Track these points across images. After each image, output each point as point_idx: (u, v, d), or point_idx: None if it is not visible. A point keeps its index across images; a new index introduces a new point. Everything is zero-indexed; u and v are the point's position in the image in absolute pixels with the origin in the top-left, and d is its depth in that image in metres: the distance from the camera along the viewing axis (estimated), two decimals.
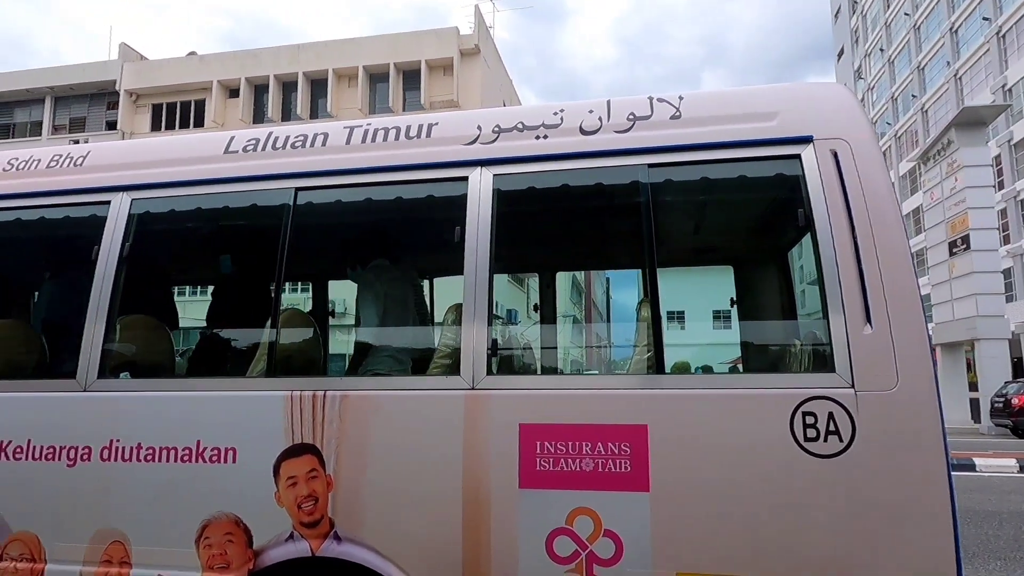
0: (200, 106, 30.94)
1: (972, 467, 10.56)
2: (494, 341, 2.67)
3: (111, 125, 31.33)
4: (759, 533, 2.28)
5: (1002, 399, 19.41)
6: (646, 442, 2.37)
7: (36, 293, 3.87)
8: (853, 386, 2.30)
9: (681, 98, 2.76)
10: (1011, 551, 5.69)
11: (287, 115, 29.85)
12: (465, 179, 2.78)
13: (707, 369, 4.15)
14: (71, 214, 3.21)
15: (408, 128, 2.95)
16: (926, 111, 42.96)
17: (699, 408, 2.40)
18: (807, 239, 2.60)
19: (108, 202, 3.06)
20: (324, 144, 2.98)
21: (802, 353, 2.83)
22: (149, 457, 2.69)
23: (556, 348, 4.78)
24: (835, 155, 2.51)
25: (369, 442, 2.56)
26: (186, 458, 2.66)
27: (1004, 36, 35.39)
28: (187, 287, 5.51)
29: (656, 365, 2.53)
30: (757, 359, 3.66)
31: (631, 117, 2.75)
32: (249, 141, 3.09)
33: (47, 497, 2.77)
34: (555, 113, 2.84)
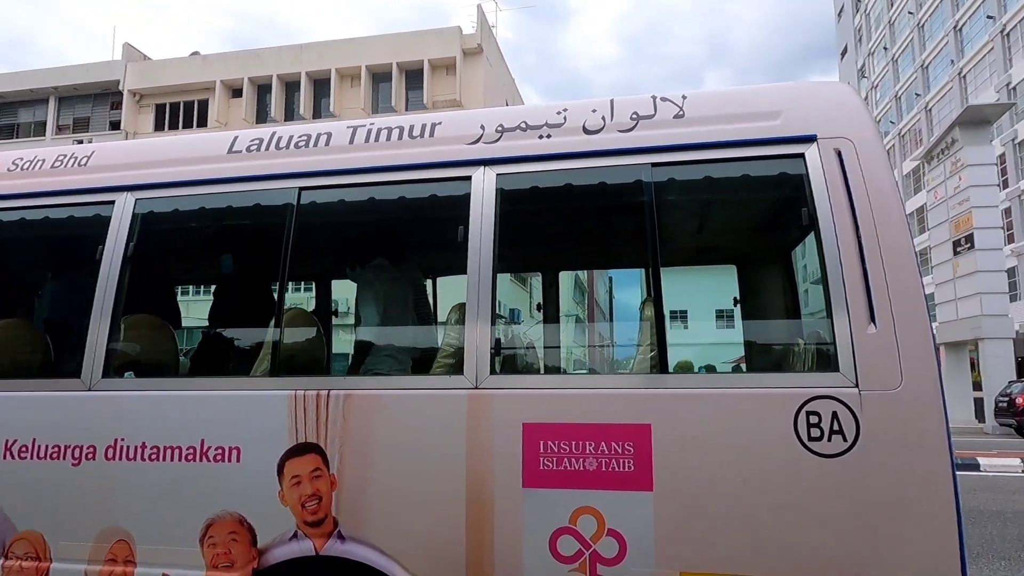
0: (203, 106, 31.00)
1: (976, 467, 10.53)
2: (497, 340, 2.67)
3: (115, 125, 31.40)
4: (762, 533, 2.28)
5: (1006, 398, 19.37)
6: (649, 441, 2.37)
7: (41, 293, 3.88)
8: (857, 385, 2.29)
9: (684, 97, 2.76)
10: (1015, 551, 5.67)
11: (290, 115, 29.89)
12: (468, 178, 2.78)
13: (710, 368, 4.14)
14: (75, 214, 3.22)
15: (411, 128, 2.95)
16: (930, 110, 42.83)
17: (703, 407, 2.39)
18: (811, 238, 2.60)
19: (112, 202, 3.07)
20: (328, 144, 2.99)
21: (806, 352, 2.83)
22: (153, 456, 2.70)
23: (559, 348, 4.78)
24: (839, 154, 2.51)
25: (373, 441, 2.57)
26: (190, 457, 2.67)
27: (1008, 34, 35.26)
28: (191, 286, 5.53)
29: (659, 364, 2.53)
30: (761, 358, 3.66)
31: (634, 116, 2.75)
32: (253, 141, 3.09)
33: (52, 496, 2.78)
34: (558, 112, 2.84)
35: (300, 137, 3.04)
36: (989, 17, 36.39)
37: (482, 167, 2.79)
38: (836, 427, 2.27)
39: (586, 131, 2.76)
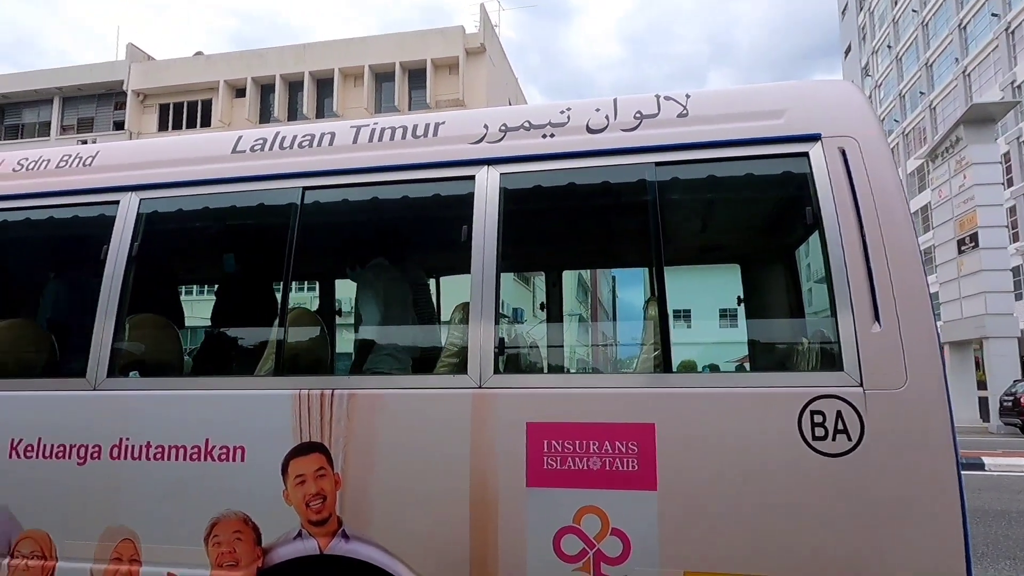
0: (207, 106, 31.07)
1: (981, 466, 10.50)
2: (501, 340, 2.67)
3: (119, 125, 31.47)
4: (767, 532, 2.27)
5: (1011, 397, 19.32)
6: (653, 441, 2.37)
7: (46, 292, 3.89)
8: (862, 385, 2.29)
9: (688, 96, 2.75)
10: (1020, 551, 5.65)
11: (293, 115, 29.92)
12: (472, 178, 2.79)
13: (714, 368, 4.14)
14: (80, 214, 3.23)
15: (415, 127, 2.95)
16: (934, 108, 42.68)
17: (706, 407, 2.39)
18: (815, 237, 2.59)
19: (117, 202, 3.08)
20: (331, 144, 2.99)
21: (810, 352, 2.82)
22: (158, 456, 2.71)
23: (563, 347, 4.78)
24: (843, 153, 2.50)
25: (377, 441, 2.57)
26: (195, 457, 2.68)
27: (1013, 32, 35.11)
28: (196, 286, 5.54)
29: (663, 364, 2.53)
30: (765, 357, 3.65)
31: (638, 115, 2.75)
32: (256, 141, 3.10)
33: (58, 495, 2.79)
34: (562, 112, 2.84)
35: (304, 137, 3.04)
36: (994, 15, 36.24)
37: (486, 166, 2.79)
38: (840, 426, 2.26)
39: (590, 130, 2.76)
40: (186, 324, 4.38)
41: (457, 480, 2.48)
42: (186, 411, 2.76)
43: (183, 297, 4.64)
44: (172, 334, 3.54)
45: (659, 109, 2.74)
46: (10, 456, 2.84)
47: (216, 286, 4.34)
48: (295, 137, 3.06)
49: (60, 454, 2.80)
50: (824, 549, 2.24)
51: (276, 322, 2.98)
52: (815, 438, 2.27)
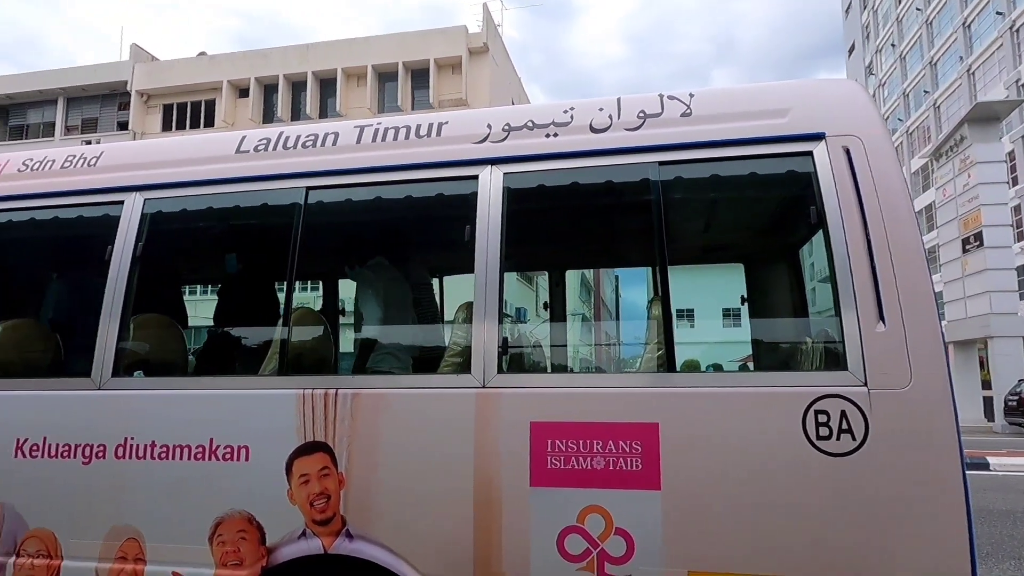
0: (210, 106, 31.11)
1: (986, 466, 10.46)
2: (504, 339, 2.67)
3: (123, 125, 31.55)
4: (770, 532, 2.27)
5: (1016, 397, 19.25)
6: (657, 440, 2.37)
7: (50, 292, 3.91)
8: (866, 384, 2.28)
9: (692, 95, 2.75)
10: None
11: (296, 115, 29.95)
12: (475, 178, 2.79)
13: (718, 367, 4.13)
14: (85, 214, 3.24)
15: (418, 127, 2.96)
16: (938, 107, 42.54)
17: (710, 406, 2.39)
18: (819, 236, 2.59)
19: (121, 202, 3.09)
20: (335, 143, 3.00)
21: (814, 351, 2.82)
22: (163, 455, 2.72)
23: (566, 346, 4.78)
24: (847, 152, 2.50)
25: (380, 440, 2.57)
26: (199, 456, 2.68)
27: (1018, 30, 34.98)
28: (200, 286, 5.55)
29: (667, 363, 2.53)
30: (768, 357, 3.65)
31: (641, 115, 2.74)
32: (260, 141, 3.10)
33: (63, 494, 2.80)
34: (565, 111, 2.84)
35: (307, 137, 3.05)
36: (998, 13, 36.11)
37: (489, 166, 2.79)
38: (845, 426, 2.26)
39: (593, 130, 2.76)
40: (190, 324, 4.40)
41: (461, 479, 2.48)
42: (190, 411, 2.77)
43: (187, 297, 4.65)
44: (176, 334, 3.55)
45: (663, 108, 2.74)
46: (16, 455, 2.86)
47: (220, 286, 4.35)
48: (299, 137, 3.06)
49: (65, 453, 2.81)
50: (828, 549, 2.23)
51: (280, 322, 2.98)
52: (819, 438, 2.27)
